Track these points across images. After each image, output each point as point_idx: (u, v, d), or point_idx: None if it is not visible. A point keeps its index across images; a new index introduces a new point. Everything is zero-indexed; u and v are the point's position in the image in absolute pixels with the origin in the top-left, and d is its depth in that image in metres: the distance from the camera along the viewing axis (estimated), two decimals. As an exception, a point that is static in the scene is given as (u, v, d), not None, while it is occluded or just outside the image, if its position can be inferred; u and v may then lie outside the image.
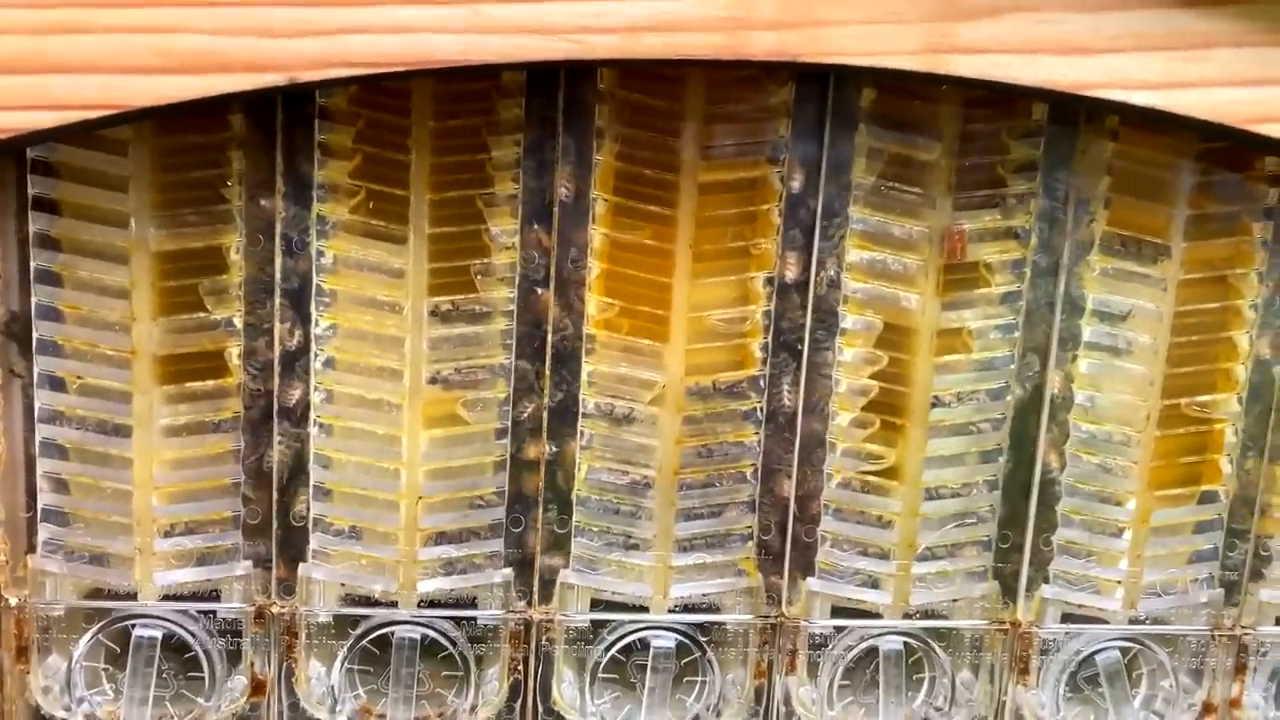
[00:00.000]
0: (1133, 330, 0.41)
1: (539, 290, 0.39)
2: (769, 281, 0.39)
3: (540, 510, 0.40)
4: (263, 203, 0.37)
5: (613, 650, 0.41)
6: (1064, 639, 0.43)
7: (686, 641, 0.42)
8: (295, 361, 0.39)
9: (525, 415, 0.39)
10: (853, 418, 0.41)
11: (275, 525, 0.40)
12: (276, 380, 0.39)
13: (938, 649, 0.43)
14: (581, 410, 0.40)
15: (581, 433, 0.40)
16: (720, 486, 0.41)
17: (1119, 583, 0.43)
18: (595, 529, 0.41)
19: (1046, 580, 0.43)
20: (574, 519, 0.40)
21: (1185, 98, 0.34)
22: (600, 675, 0.42)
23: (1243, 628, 0.44)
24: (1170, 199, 0.40)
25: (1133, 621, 0.43)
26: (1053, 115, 0.39)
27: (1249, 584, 0.43)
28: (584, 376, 0.39)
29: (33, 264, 0.37)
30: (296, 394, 0.39)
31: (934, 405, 0.41)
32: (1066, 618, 0.43)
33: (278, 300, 0.38)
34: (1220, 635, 0.44)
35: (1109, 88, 0.34)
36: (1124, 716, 0.44)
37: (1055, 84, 0.34)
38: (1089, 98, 0.34)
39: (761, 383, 0.40)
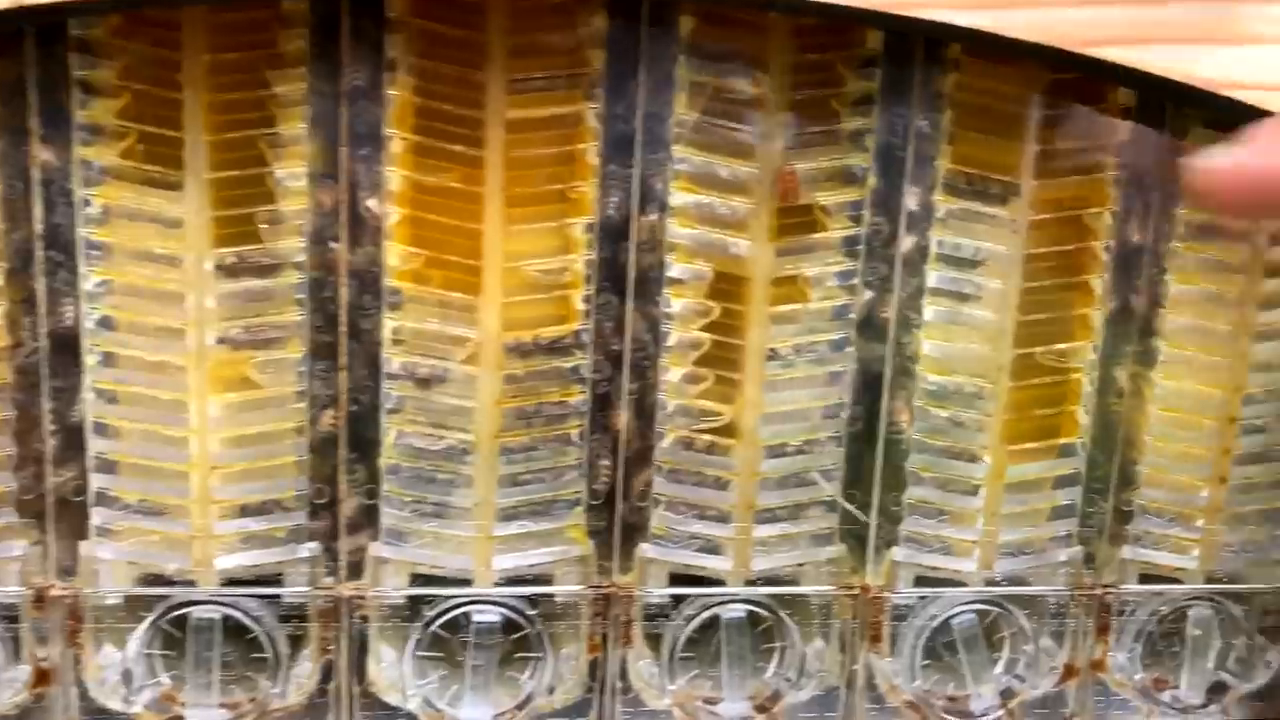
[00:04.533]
0: (982, 275, 0.39)
1: (332, 241, 0.36)
2: (589, 228, 0.37)
3: (344, 478, 0.37)
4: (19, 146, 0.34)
5: (433, 627, 0.39)
6: (917, 604, 0.41)
7: (515, 616, 0.39)
8: (65, 322, 0.35)
9: (323, 377, 0.36)
10: (685, 373, 0.38)
11: (51, 501, 0.36)
12: (45, 343, 0.35)
13: (785, 617, 0.41)
14: (385, 370, 0.37)
15: (387, 395, 0.37)
16: (545, 450, 0.38)
17: (974, 543, 0.41)
18: (408, 498, 0.38)
19: (896, 542, 0.40)
20: (383, 488, 0.37)
21: (1016, 19, 0.32)
22: (421, 654, 0.39)
23: (1104, 587, 0.42)
24: (1018, 134, 0.38)
25: (990, 583, 0.41)
26: (889, 45, 0.36)
27: (1109, 541, 0.41)
28: (386, 333, 0.36)
29: None
30: (67, 359, 0.36)
31: (770, 358, 0.38)
32: (920, 580, 0.41)
33: (40, 255, 0.35)
34: (1081, 595, 0.42)
35: (932, 7, 0.31)
36: (983, 682, 0.42)
37: (876, 3, 0.31)
38: (911, 18, 0.31)
39: (585, 337, 0.37)
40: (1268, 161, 0.30)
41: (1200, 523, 0.42)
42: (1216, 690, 0.43)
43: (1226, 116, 0.35)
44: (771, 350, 0.38)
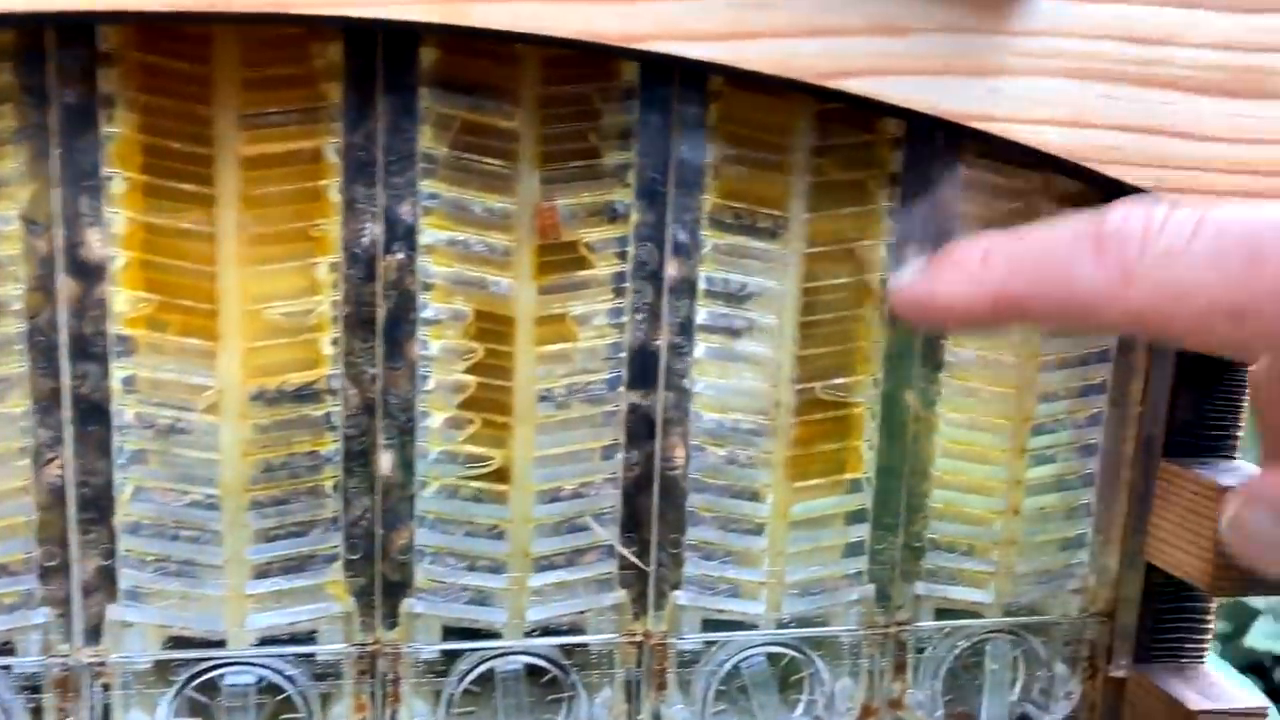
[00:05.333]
0: (755, 310, 0.37)
1: (52, 285, 0.33)
2: (334, 268, 0.35)
3: (77, 538, 0.35)
4: None
5: (186, 690, 0.36)
6: (705, 649, 0.40)
7: (275, 676, 0.37)
8: None
9: (49, 431, 0.34)
10: (447, 417, 0.36)
11: None
12: None
13: (568, 667, 0.39)
14: (118, 422, 0.34)
15: (121, 448, 0.34)
16: (298, 503, 0.36)
17: (761, 584, 0.39)
18: (150, 558, 0.35)
19: (680, 585, 0.39)
20: (122, 547, 0.35)
21: (752, 50, 0.31)
22: (177, 718, 0.37)
23: (899, 624, 0.41)
24: (786, 166, 0.37)
25: (780, 625, 0.40)
26: (647, 75, 0.35)
27: (903, 577, 0.41)
28: (115, 384, 0.34)
29: None
30: None
31: (542, 399, 0.37)
32: (708, 624, 0.40)
33: None
34: (875, 633, 0.41)
35: (660, 39, 0.30)
36: (780, 725, 0.41)
37: (599, 35, 0.30)
38: (637, 51, 0.30)
39: (336, 383, 0.35)
40: (932, 289, 0.31)
41: (994, 555, 0.41)
42: (1019, 723, 0.43)
43: (999, 148, 0.34)
44: (543, 391, 0.36)
